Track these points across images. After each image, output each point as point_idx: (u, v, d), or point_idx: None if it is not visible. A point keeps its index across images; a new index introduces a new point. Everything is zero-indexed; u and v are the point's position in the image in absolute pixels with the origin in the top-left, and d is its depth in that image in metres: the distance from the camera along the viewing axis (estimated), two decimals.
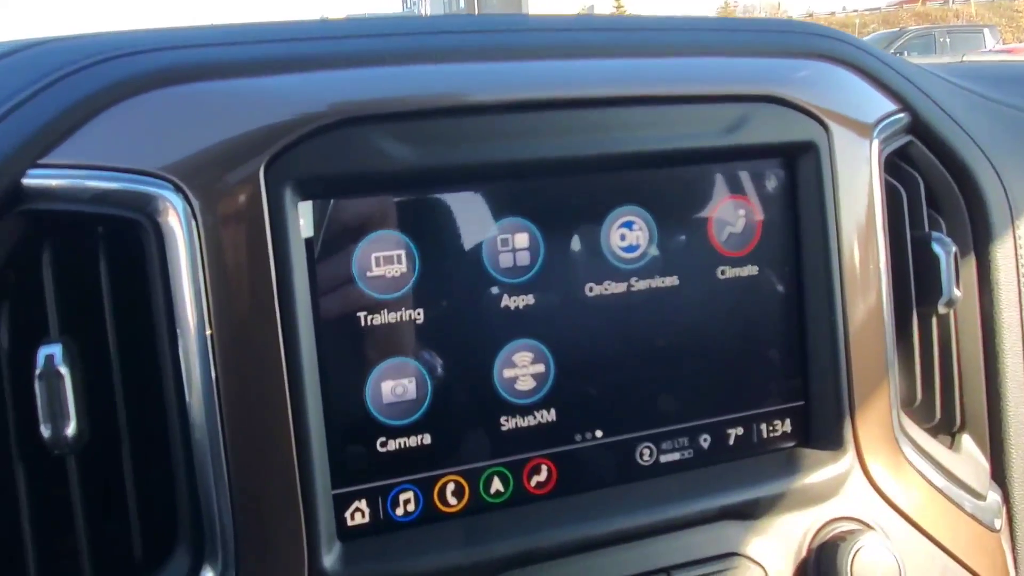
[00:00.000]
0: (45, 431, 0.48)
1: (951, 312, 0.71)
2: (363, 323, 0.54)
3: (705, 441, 0.63)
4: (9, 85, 0.51)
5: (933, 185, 0.73)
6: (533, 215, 0.58)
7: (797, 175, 0.64)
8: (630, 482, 0.61)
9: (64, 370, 0.48)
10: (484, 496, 0.58)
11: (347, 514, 0.55)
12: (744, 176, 0.63)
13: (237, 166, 0.50)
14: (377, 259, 0.54)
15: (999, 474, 0.73)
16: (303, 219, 0.52)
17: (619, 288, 0.60)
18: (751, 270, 0.63)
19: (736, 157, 0.62)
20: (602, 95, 0.58)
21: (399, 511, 0.56)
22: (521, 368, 0.58)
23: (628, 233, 0.60)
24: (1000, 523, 0.71)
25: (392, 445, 0.56)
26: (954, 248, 0.68)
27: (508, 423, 0.58)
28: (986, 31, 13.88)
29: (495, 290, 0.57)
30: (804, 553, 0.63)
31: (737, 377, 0.64)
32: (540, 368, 0.58)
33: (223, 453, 0.50)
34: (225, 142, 0.51)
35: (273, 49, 0.54)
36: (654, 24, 0.68)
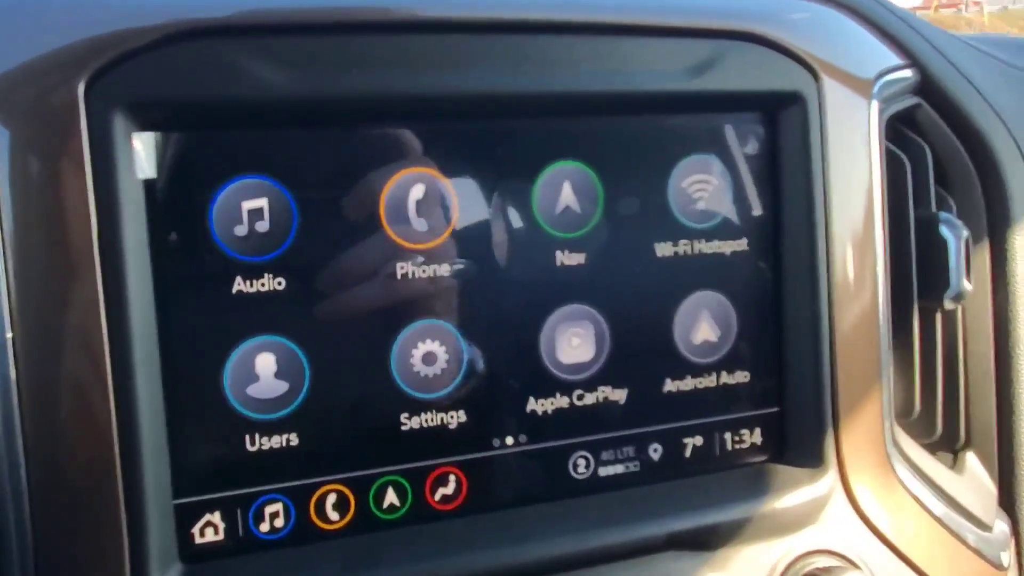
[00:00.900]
0: None
1: (959, 308, 0.61)
2: (222, 291, 0.43)
3: (655, 452, 0.52)
4: None
5: (943, 157, 0.62)
6: (443, 166, 0.47)
7: (778, 133, 0.53)
8: (559, 499, 0.50)
9: None
10: (374, 511, 0.47)
11: (195, 529, 0.44)
12: (712, 131, 0.52)
13: (53, 86, 0.39)
14: (242, 212, 0.43)
15: (1008, 501, 0.63)
16: (140, 155, 0.41)
17: (547, 260, 0.49)
18: (716, 246, 0.52)
19: (703, 107, 0.51)
20: (538, 20, 0.47)
21: (264, 527, 0.45)
22: (424, 355, 0.47)
23: (564, 195, 0.49)
24: (1008, 558, 0.61)
25: (257, 445, 0.45)
26: (965, 232, 0.58)
27: (409, 422, 0.47)
28: None
29: (393, 256, 0.46)
30: None
31: (696, 375, 0.53)
32: (449, 356, 0.47)
33: (20, 447, 0.39)
34: (41, 57, 0.40)
35: None
36: None
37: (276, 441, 0.45)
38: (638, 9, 0.50)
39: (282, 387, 0.45)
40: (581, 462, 0.51)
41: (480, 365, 0.48)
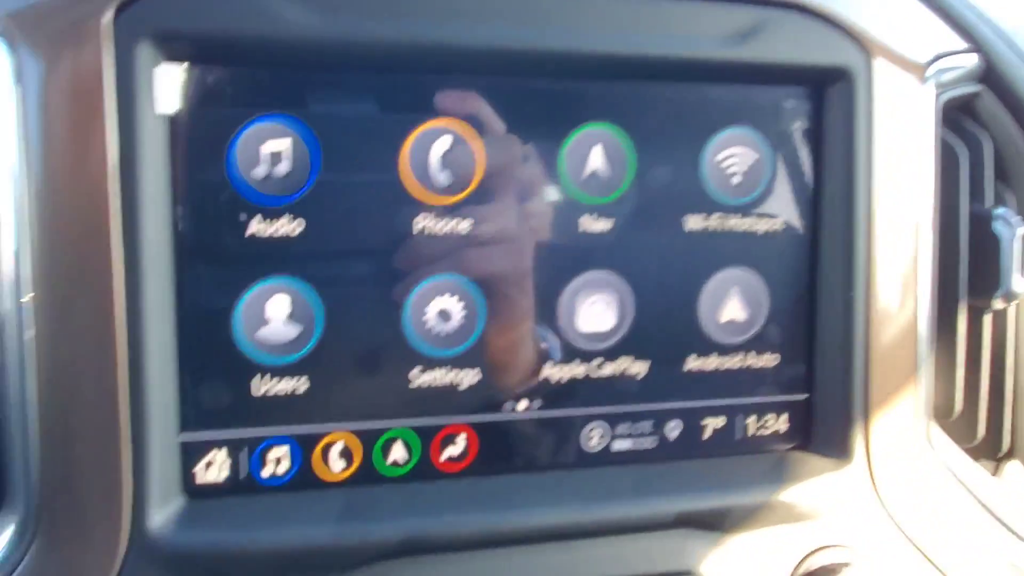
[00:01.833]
0: None
1: (1009, 308, 0.57)
2: (238, 231, 0.43)
3: (673, 430, 0.51)
4: None
5: (1004, 150, 0.59)
6: (471, 121, 0.46)
7: (823, 110, 0.51)
8: (569, 468, 0.49)
9: None
10: (378, 465, 0.47)
11: (198, 467, 0.44)
12: (753, 103, 0.50)
13: (82, 14, 0.40)
14: (262, 153, 0.43)
15: None
16: (164, 87, 0.41)
17: (572, 224, 0.48)
18: (750, 223, 0.51)
19: (745, 77, 0.49)
20: None
21: (266, 471, 0.45)
22: (439, 310, 0.46)
23: (593, 159, 0.48)
24: None
25: (265, 387, 0.45)
26: (1021, 230, 0.55)
27: (420, 378, 0.47)
28: None
29: (413, 209, 0.45)
30: None
31: (722, 354, 0.51)
32: (465, 314, 0.47)
33: (32, 377, 0.40)
34: None
35: None
36: None
37: (285, 385, 0.45)
38: None
39: (294, 331, 0.44)
40: (595, 433, 0.50)
41: (496, 326, 0.47)
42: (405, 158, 0.45)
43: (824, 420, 0.52)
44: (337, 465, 0.46)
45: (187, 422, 0.44)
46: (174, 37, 0.41)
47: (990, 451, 0.60)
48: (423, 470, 0.47)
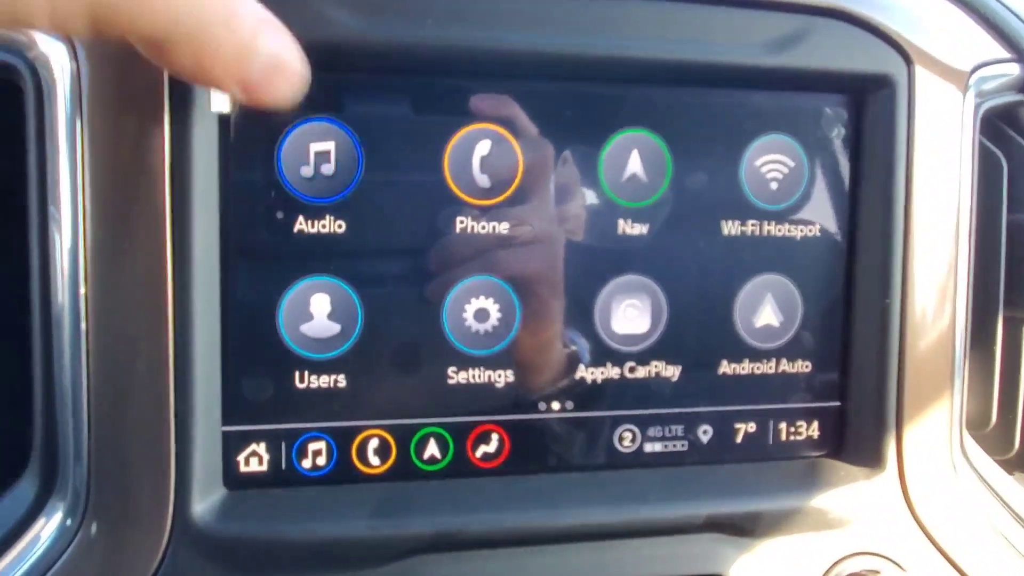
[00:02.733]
0: None
1: None
2: (284, 229, 0.44)
3: (705, 433, 0.51)
4: None
5: None
6: (511, 124, 0.46)
7: (862, 118, 0.51)
8: (600, 470, 0.50)
9: None
10: (415, 460, 0.48)
11: (240, 457, 0.45)
12: (793, 110, 0.50)
13: None
14: (310, 153, 0.44)
15: None
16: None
17: (609, 228, 0.48)
18: (787, 230, 0.51)
19: (785, 84, 0.50)
20: None
21: (306, 463, 0.46)
22: (477, 312, 0.47)
23: (632, 164, 0.48)
24: None
25: (306, 383, 0.46)
26: None
27: (456, 377, 0.47)
28: None
29: (454, 210, 0.46)
30: None
31: (755, 360, 0.51)
32: (501, 315, 0.47)
33: (85, 364, 0.41)
34: None
35: None
36: None
37: (324, 381, 0.46)
38: None
39: (334, 328, 0.45)
40: (627, 435, 0.50)
41: (531, 327, 0.48)
42: (448, 160, 0.46)
43: (856, 428, 0.52)
44: (374, 460, 0.47)
45: (230, 414, 0.45)
46: None
47: None
48: (458, 466, 0.48)
